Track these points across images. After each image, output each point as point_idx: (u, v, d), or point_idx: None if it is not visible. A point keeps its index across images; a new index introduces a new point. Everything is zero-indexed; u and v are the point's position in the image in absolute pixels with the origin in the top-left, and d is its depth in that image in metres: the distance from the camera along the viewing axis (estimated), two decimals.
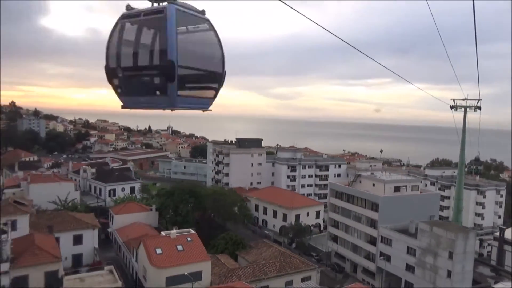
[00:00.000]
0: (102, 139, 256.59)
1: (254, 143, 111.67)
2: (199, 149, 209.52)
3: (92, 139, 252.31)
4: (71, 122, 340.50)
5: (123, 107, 4.65)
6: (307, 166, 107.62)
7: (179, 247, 44.64)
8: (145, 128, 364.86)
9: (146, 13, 4.30)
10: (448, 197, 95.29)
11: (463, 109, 66.71)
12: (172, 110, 4.29)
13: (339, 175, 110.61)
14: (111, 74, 4.59)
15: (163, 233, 47.93)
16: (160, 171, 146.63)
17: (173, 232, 46.88)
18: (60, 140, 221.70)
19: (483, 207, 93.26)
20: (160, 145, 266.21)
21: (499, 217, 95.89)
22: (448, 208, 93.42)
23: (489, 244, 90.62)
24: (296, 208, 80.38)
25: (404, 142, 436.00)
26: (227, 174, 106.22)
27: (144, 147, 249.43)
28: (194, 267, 42.55)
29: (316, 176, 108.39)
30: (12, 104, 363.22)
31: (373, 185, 64.16)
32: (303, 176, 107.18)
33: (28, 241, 37.10)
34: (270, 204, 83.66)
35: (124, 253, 54.29)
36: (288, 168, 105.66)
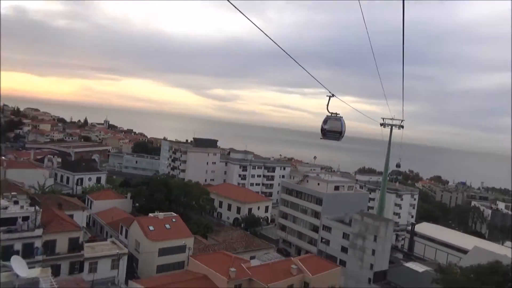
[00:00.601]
0: (37, 128, 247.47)
1: (210, 143, 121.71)
2: (140, 145, 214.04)
3: (26, 128, 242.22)
4: None
5: (322, 138, 15.64)
6: (256, 167, 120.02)
7: (167, 226, 54.18)
8: (79, 120, 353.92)
9: (331, 118, 15.22)
10: (373, 199, 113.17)
11: (389, 126, 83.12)
12: (338, 140, 15.41)
13: (283, 176, 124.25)
14: (322, 130, 15.48)
15: (151, 214, 56.90)
16: (110, 164, 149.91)
17: (160, 214, 56.27)
18: None
19: (400, 208, 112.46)
20: (99, 139, 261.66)
21: (412, 216, 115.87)
22: (372, 208, 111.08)
23: (403, 238, 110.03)
24: (249, 203, 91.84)
25: (335, 151, 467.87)
26: (183, 170, 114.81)
27: (82, 140, 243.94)
28: (180, 242, 52.35)
29: (264, 176, 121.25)
30: None
31: (318, 184, 78.08)
32: (253, 176, 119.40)
33: (49, 214, 44.40)
34: (226, 198, 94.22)
35: (108, 232, 61.80)
36: (240, 167, 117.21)
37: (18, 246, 39.47)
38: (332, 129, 15.15)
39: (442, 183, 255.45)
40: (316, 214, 74.51)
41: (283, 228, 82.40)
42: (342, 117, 15.24)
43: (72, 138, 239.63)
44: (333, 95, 14.79)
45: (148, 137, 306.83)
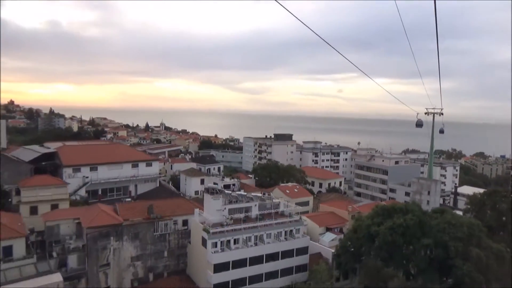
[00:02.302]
0: (117, 135, 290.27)
1: (287, 137, 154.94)
2: (205, 143, 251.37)
3: (109, 136, 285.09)
4: (71, 119, 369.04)
5: (416, 127, 47.23)
6: (325, 153, 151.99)
7: (295, 190, 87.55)
8: (137, 125, 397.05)
9: (418, 120, 46.49)
10: (422, 172, 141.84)
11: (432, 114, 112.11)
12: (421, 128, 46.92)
13: (346, 159, 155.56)
14: (417, 125, 47.07)
15: (281, 184, 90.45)
16: None
17: (289, 184, 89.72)
18: (82, 137, 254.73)
19: (445, 178, 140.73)
20: (167, 140, 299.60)
21: (455, 184, 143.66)
22: None
23: (448, 202, 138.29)
24: (328, 179, 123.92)
25: (373, 135, 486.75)
26: (269, 160, 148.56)
27: (155, 142, 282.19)
28: (305, 199, 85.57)
29: (331, 160, 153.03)
30: (11, 102, 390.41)
31: (382, 160, 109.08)
32: (322, 160, 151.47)
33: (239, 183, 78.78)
34: (309, 177, 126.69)
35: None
36: (312, 154, 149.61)
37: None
38: (420, 123, 46.92)
39: (484, 158, 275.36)
40: (383, 181, 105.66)
41: (357, 194, 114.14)
42: (422, 120, 46.95)
43: (146, 141, 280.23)
44: (419, 116, 46.33)
45: (201, 135, 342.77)
